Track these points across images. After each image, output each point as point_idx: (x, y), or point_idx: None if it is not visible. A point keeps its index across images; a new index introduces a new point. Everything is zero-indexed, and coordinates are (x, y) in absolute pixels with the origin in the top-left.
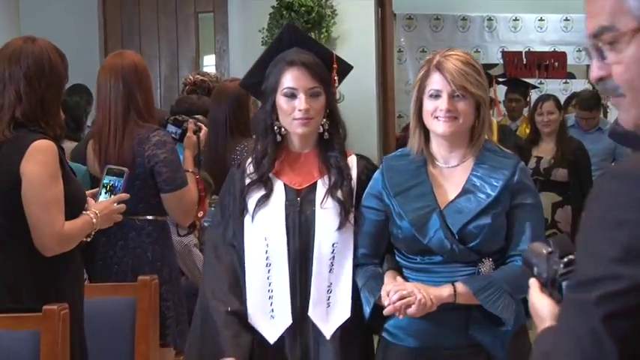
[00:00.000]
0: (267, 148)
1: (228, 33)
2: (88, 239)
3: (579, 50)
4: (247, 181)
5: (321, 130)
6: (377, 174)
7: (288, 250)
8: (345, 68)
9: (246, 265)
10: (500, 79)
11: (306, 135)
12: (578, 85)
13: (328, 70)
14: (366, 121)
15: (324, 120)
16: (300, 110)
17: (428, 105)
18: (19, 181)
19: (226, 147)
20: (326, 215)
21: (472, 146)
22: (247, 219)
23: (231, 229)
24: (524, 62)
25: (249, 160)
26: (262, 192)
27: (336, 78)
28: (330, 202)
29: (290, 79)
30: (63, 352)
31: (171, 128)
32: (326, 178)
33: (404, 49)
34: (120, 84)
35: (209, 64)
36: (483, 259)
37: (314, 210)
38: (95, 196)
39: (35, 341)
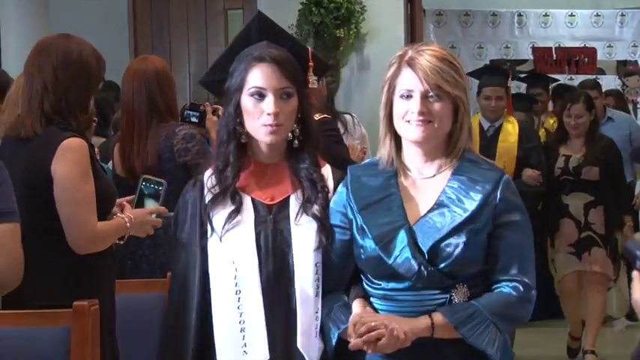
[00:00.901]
0: (229, 157)
1: None
2: (121, 242)
3: (609, 46)
4: (209, 196)
5: (291, 137)
6: (341, 187)
7: (261, 274)
8: (322, 67)
9: (212, 294)
10: (521, 75)
11: (274, 144)
12: (609, 80)
13: (303, 68)
14: None
15: (295, 126)
16: (268, 114)
17: (398, 107)
18: (50, 179)
19: None
20: (303, 232)
21: (449, 155)
22: (213, 240)
23: (190, 257)
24: (555, 58)
25: (209, 172)
26: (230, 207)
27: (312, 78)
28: (305, 219)
29: (258, 77)
30: (93, 348)
31: (190, 113)
32: (299, 192)
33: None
34: (143, 89)
35: None
36: (457, 285)
37: (289, 228)
38: (131, 203)
39: (66, 337)
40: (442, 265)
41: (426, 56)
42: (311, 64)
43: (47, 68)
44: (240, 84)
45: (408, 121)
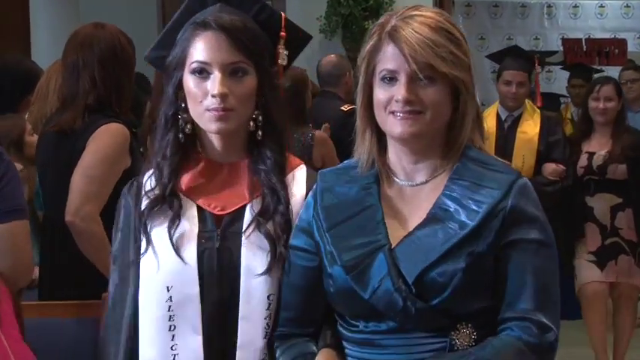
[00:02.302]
0: (167, 150)
1: None
2: None
3: None
4: (146, 202)
5: (252, 127)
6: (309, 198)
7: (203, 306)
8: (298, 37)
9: (140, 328)
10: (562, 66)
11: (226, 135)
12: None
13: (272, 39)
14: None
15: (256, 112)
16: (213, 96)
17: (379, 94)
18: None
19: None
20: (254, 255)
21: (448, 154)
22: (147, 258)
23: (121, 280)
24: (584, 49)
25: (149, 172)
26: (168, 215)
27: (282, 51)
28: (256, 237)
29: (201, 49)
30: None
31: None
32: (258, 201)
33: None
34: None
35: None
36: (458, 326)
37: (240, 247)
38: None
39: (96, 328)
40: (435, 301)
41: (415, 25)
42: (283, 34)
43: (93, 63)
44: (181, 58)
45: (392, 113)
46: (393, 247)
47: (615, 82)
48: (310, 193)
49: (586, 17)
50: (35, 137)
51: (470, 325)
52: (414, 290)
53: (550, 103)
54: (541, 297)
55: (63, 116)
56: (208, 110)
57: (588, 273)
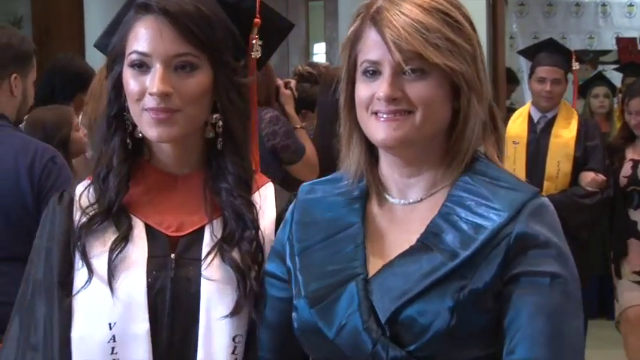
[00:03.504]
0: (113, 158)
1: (338, 20)
2: None
3: None
4: (81, 219)
5: (211, 134)
6: (287, 214)
7: (155, 349)
8: (276, 26)
9: None
10: (615, 67)
11: (174, 142)
12: None
13: (242, 26)
14: None
15: (215, 117)
16: (151, 94)
17: (360, 90)
18: None
19: (334, 135)
20: (219, 285)
21: (450, 166)
22: (82, 289)
23: (40, 316)
24: (639, 49)
25: (82, 185)
26: (114, 235)
27: (256, 42)
28: (218, 267)
29: (140, 37)
30: None
31: None
32: (217, 222)
33: (516, 35)
34: None
35: (319, 52)
36: None
37: (199, 275)
38: None
39: None
40: (413, 346)
41: (405, 6)
42: (257, 19)
43: None
44: (120, 48)
45: (375, 114)
46: (369, 277)
47: None
48: (289, 209)
49: None
50: (81, 133)
51: None
52: (387, 332)
53: (634, 72)
54: (555, 345)
55: None
56: (146, 111)
57: (633, 295)
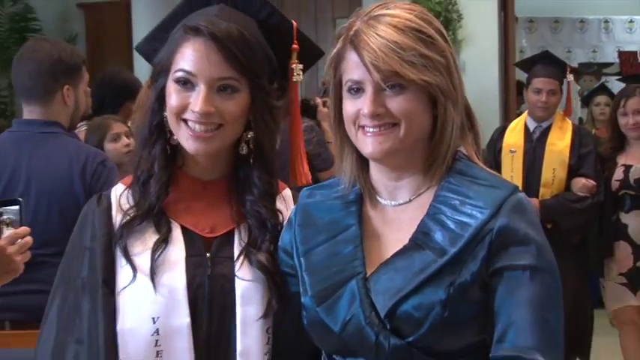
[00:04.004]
0: (154, 164)
1: None
2: None
3: None
4: (121, 219)
5: (244, 150)
6: (290, 216)
7: (195, 341)
8: (311, 52)
9: None
10: (617, 78)
11: (207, 154)
12: None
13: (281, 52)
14: (489, 120)
15: (250, 135)
16: (194, 112)
17: (347, 107)
18: None
19: None
20: (250, 283)
21: (431, 168)
22: (127, 286)
23: (85, 312)
24: (639, 61)
25: (120, 188)
26: (153, 235)
27: (296, 68)
28: (248, 267)
29: (188, 57)
30: None
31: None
32: (244, 228)
33: (525, 49)
34: None
35: None
36: None
37: (233, 273)
38: None
39: None
40: (412, 337)
41: (381, 28)
42: (295, 46)
43: None
44: (167, 63)
45: (362, 128)
46: (368, 275)
47: None
48: (292, 211)
49: None
50: (119, 144)
51: None
52: (387, 325)
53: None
54: (538, 332)
55: None
56: (187, 126)
57: (621, 296)
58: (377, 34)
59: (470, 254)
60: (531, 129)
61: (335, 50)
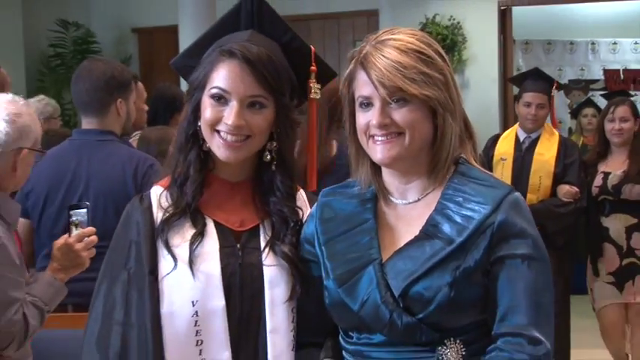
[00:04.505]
0: (190, 167)
1: None
2: None
3: None
4: (162, 216)
5: (268, 157)
6: (312, 210)
7: (230, 321)
8: (326, 73)
9: (165, 344)
10: (602, 93)
11: (236, 161)
12: None
13: (301, 72)
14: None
15: (273, 145)
16: (227, 124)
17: (359, 119)
18: None
19: None
20: (276, 270)
21: (433, 171)
22: (168, 274)
23: (133, 298)
24: (622, 78)
25: (159, 189)
26: (189, 231)
27: (314, 85)
28: (273, 257)
29: (223, 76)
30: None
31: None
32: (267, 223)
33: (522, 68)
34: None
35: None
36: (446, 342)
37: (261, 262)
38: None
39: None
40: (421, 315)
41: (386, 50)
42: (313, 68)
43: None
44: (203, 81)
45: (372, 137)
46: (383, 261)
47: (631, 102)
48: (312, 208)
49: (623, 52)
50: None
51: (458, 341)
52: (400, 304)
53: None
54: (533, 312)
55: None
56: (219, 136)
57: (608, 294)
58: (383, 55)
59: (473, 244)
60: (521, 139)
61: (348, 71)
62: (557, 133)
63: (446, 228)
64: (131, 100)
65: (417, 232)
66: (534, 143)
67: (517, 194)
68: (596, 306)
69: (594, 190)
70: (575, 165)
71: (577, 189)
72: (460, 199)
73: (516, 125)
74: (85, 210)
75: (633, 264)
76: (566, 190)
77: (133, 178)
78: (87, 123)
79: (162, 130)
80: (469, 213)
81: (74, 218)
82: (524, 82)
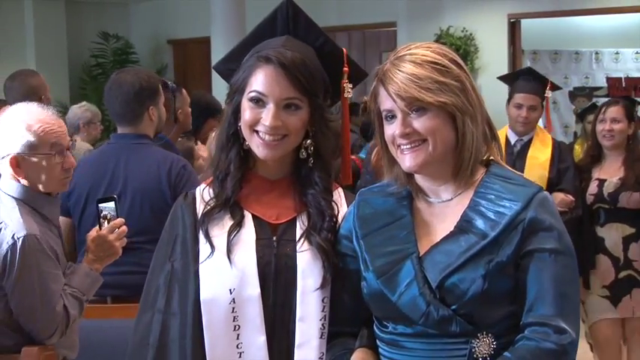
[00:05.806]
0: (230, 165)
1: None
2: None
3: None
4: (203, 209)
5: (304, 154)
6: (351, 207)
7: (264, 309)
8: (358, 73)
9: (205, 329)
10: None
11: (274, 159)
12: None
13: (334, 73)
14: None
15: (308, 142)
16: (265, 125)
17: (386, 131)
18: None
19: None
20: (310, 262)
21: (460, 173)
22: (209, 262)
23: (177, 288)
24: (624, 85)
25: (203, 186)
26: (229, 222)
27: (347, 85)
28: (308, 248)
29: (261, 81)
30: None
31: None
32: (304, 216)
33: None
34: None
35: None
36: (479, 335)
37: (295, 254)
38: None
39: None
40: (456, 306)
41: (403, 65)
42: (346, 69)
43: None
44: (243, 85)
45: (399, 147)
46: (420, 255)
47: (626, 104)
48: (350, 205)
49: (625, 61)
50: (200, 161)
51: (490, 335)
52: (437, 295)
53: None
54: (560, 303)
55: None
56: (258, 136)
57: (602, 308)
58: (399, 70)
59: (506, 238)
60: (512, 142)
61: (372, 88)
62: (550, 136)
63: (479, 223)
64: (160, 104)
65: (450, 228)
66: (527, 146)
67: (545, 193)
68: (589, 320)
69: (589, 199)
70: (570, 171)
71: (572, 198)
72: (492, 196)
73: (506, 127)
74: (113, 203)
75: (630, 277)
76: (560, 199)
77: (167, 177)
78: (122, 129)
79: (189, 145)
80: (501, 209)
81: (104, 212)
82: (515, 81)
